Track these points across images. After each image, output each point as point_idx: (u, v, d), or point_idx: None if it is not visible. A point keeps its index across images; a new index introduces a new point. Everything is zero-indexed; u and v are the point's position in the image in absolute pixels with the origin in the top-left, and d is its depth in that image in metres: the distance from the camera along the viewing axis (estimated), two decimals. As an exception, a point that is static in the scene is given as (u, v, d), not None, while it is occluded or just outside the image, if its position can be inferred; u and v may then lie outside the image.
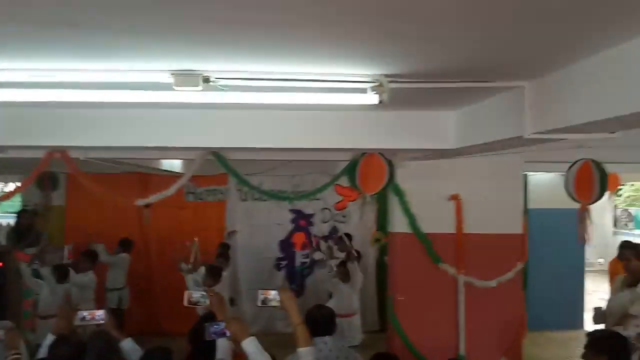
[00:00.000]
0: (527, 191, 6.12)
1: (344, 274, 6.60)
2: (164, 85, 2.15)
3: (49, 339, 3.60)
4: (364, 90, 2.21)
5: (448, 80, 2.47)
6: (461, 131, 3.41)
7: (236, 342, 3.11)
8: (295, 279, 9.03)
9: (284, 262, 9.19)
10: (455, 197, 4.68)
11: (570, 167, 4.41)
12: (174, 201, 8.48)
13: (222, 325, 3.14)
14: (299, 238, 9.23)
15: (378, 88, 2.17)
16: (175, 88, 2.03)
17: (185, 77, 2.02)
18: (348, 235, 7.85)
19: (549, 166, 6.97)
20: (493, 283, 4.63)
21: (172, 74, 2.02)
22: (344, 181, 8.32)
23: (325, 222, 9.27)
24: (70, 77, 2.05)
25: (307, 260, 9.17)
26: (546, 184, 8.88)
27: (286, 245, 9.21)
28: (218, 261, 7.16)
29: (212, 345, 3.41)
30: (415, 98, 3.08)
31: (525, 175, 6.58)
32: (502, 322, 4.69)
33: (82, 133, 3.48)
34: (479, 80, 2.51)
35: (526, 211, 4.93)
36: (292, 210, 9.21)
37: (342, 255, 7.47)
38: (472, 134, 3.22)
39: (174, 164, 7.18)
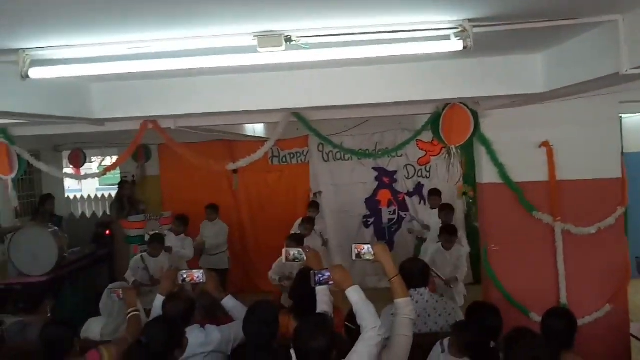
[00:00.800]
0: (622, 135, 5.76)
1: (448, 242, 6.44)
2: (248, 48, 2.20)
3: (159, 299, 3.88)
4: (447, 37, 2.16)
5: (535, 20, 2.35)
6: (549, 74, 3.25)
7: (336, 294, 3.19)
8: (383, 235, 9.09)
9: (371, 220, 9.27)
10: (546, 144, 4.50)
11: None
12: (260, 166, 8.74)
13: (327, 273, 3.21)
14: (384, 195, 9.26)
15: (462, 33, 2.11)
16: (259, 50, 2.07)
17: (268, 38, 2.06)
18: (437, 191, 7.74)
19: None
20: (592, 229, 4.46)
21: (255, 36, 2.07)
22: (425, 136, 8.30)
23: (409, 179, 9.23)
24: (162, 47, 2.14)
25: (395, 216, 9.20)
26: (641, 126, 8.34)
27: (372, 203, 9.28)
28: (310, 211, 7.56)
29: (312, 299, 3.53)
30: (499, 42, 2.96)
31: (620, 117, 6.19)
32: (605, 269, 4.53)
33: (173, 102, 3.65)
34: (568, 18, 2.37)
35: (622, 155, 4.65)
36: (375, 169, 9.24)
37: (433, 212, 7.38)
38: (562, 75, 3.06)
39: (257, 129, 7.35)
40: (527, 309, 4.53)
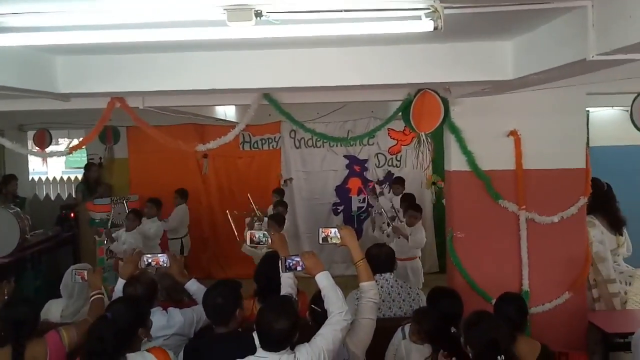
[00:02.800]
0: (588, 129, 5.89)
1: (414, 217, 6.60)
2: (217, 22, 2.16)
3: (120, 283, 3.83)
4: (418, 18, 2.16)
5: (505, 4, 2.36)
6: (519, 61, 3.28)
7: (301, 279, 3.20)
8: (352, 223, 9.15)
9: (340, 207, 9.32)
10: (514, 133, 4.56)
11: (636, 97, 4.20)
12: (231, 151, 8.75)
13: (298, 259, 3.23)
14: (354, 183, 9.31)
15: (432, 14, 2.11)
16: (229, 23, 2.04)
17: (238, 12, 2.02)
18: (401, 180, 7.81)
19: (611, 100, 6.69)
20: (555, 218, 4.55)
21: (225, 9, 2.03)
22: (397, 125, 8.37)
23: (380, 167, 9.30)
24: (127, 16, 2.09)
25: (364, 205, 9.26)
26: (607, 120, 8.56)
27: (342, 190, 9.31)
28: (277, 210, 7.31)
29: (277, 283, 3.53)
30: (470, 28, 2.97)
31: (587, 112, 6.31)
32: (566, 257, 4.62)
33: (141, 78, 3.58)
34: (539, 2, 2.39)
35: (588, 149, 4.75)
36: (346, 156, 9.30)
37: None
38: (531, 62, 3.09)
39: (228, 114, 7.29)
40: (490, 295, 4.60)
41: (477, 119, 4.56)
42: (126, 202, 7.81)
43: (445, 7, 2.13)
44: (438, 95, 4.42)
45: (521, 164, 4.55)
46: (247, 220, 7.02)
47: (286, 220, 6.89)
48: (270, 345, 2.77)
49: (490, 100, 4.48)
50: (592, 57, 2.29)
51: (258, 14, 2.08)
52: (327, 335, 2.92)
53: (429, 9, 2.13)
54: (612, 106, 8.15)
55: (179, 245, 8.00)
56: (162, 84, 3.64)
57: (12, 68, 3.09)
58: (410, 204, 6.85)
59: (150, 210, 7.31)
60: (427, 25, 2.13)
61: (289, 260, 3.27)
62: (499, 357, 2.68)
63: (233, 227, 6.82)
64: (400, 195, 7.59)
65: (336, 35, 2.34)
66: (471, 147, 4.56)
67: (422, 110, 4.45)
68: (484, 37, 3.29)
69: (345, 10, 2.12)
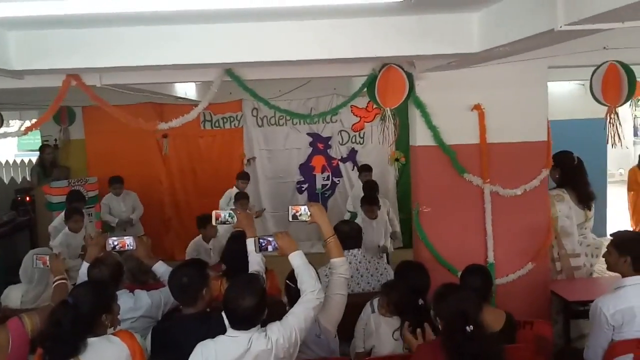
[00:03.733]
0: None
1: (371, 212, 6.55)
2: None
3: (84, 266, 3.73)
4: (388, -13, 2.11)
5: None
6: (485, 33, 3.27)
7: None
8: (317, 201, 9.14)
9: (304, 186, 9.30)
10: (477, 107, 4.59)
11: (596, 69, 4.27)
12: (191, 130, 8.61)
13: (271, 238, 3.23)
14: (318, 161, 9.30)
15: (403, -17, 2.08)
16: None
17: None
18: (368, 167, 7.78)
19: (572, 73, 6.81)
20: (518, 191, 4.61)
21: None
22: (360, 102, 8.35)
23: (343, 145, 9.31)
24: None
25: (328, 182, 9.26)
26: (564, 95, 8.75)
27: (306, 168, 9.30)
28: (241, 182, 7.43)
29: (245, 261, 3.50)
30: (437, -1, 2.95)
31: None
32: (529, 229, 4.71)
33: (98, 54, 3.43)
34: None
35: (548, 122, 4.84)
36: (310, 134, 9.28)
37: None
38: (498, 34, 3.09)
39: (188, 92, 7.13)
40: (456, 268, 4.66)
41: (441, 94, 4.57)
42: (83, 184, 7.59)
43: (415, -24, 2.09)
44: (403, 70, 4.40)
45: (485, 137, 4.59)
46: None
47: (250, 199, 6.87)
48: (239, 324, 2.75)
49: (455, 75, 4.48)
50: (561, 27, 2.30)
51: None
52: (299, 314, 2.92)
53: (399, -22, 2.09)
54: (570, 80, 8.34)
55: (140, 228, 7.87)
56: (122, 60, 3.49)
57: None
58: (366, 198, 6.50)
59: (117, 190, 7.31)
60: (397, -6, 2.09)
61: (262, 240, 3.26)
62: (467, 327, 2.72)
63: None
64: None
65: (307, 5, 2.27)
66: (436, 121, 4.56)
67: (387, 86, 4.43)
68: (451, 8, 3.27)
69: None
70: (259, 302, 2.74)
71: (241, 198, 6.70)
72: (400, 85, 4.41)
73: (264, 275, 3.51)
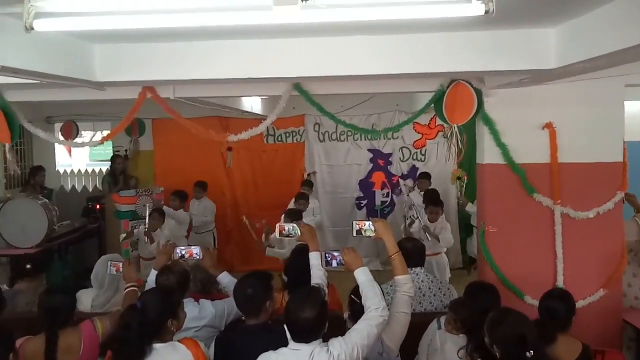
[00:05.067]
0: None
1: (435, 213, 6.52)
2: (260, 7, 2.12)
3: (153, 274, 3.83)
4: (468, 1, 2.09)
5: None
6: (563, 48, 3.18)
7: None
8: (375, 217, 9.07)
9: (364, 202, 9.25)
10: (549, 126, 4.46)
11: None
12: (255, 144, 8.75)
13: (337, 253, 3.26)
14: (378, 177, 9.25)
15: (484, -3, 2.04)
16: (274, 7, 1.99)
17: (283, -5, 1.98)
18: (427, 175, 7.71)
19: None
20: (591, 214, 4.44)
21: (271, -8, 1.99)
22: (422, 119, 8.27)
23: (404, 161, 9.22)
24: (167, 2, 2.06)
25: (387, 199, 9.18)
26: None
27: (365, 184, 9.26)
28: (299, 203, 7.26)
29: (307, 275, 3.50)
30: (514, 13, 2.88)
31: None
32: (602, 253, 4.52)
33: (172, 67, 3.58)
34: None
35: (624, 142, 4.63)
36: (370, 150, 9.24)
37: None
38: (577, 49, 2.99)
39: (254, 107, 7.27)
40: (522, 291, 4.52)
41: (511, 111, 4.47)
42: (150, 194, 7.84)
43: (497, -10, 2.06)
44: (471, 86, 4.34)
45: (556, 157, 4.45)
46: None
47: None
48: (299, 336, 2.73)
49: (525, 92, 4.39)
50: (652, 41, 2.20)
51: (303, -3, 2.03)
52: (362, 330, 2.88)
53: (479, -8, 2.06)
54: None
55: (210, 238, 8.02)
56: (194, 73, 3.62)
57: (52, 55, 3.10)
58: (430, 199, 6.75)
59: (174, 203, 7.35)
60: (478, 9, 2.06)
61: (328, 255, 3.27)
62: (527, 353, 2.61)
63: (250, 230, 6.74)
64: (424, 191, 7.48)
65: (383, 19, 2.27)
66: (505, 139, 4.47)
67: (455, 102, 4.38)
68: (527, 24, 3.20)
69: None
70: (319, 314, 2.72)
71: (293, 215, 6.65)
72: (468, 101, 4.35)
73: (326, 289, 3.49)
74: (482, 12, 2.07)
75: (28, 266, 4.62)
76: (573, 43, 3.06)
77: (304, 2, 2.04)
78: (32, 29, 2.23)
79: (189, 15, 2.30)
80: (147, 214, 6.60)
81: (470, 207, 7.27)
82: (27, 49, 2.85)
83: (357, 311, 3.14)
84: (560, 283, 4.48)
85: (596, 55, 2.75)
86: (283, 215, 6.57)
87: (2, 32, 2.63)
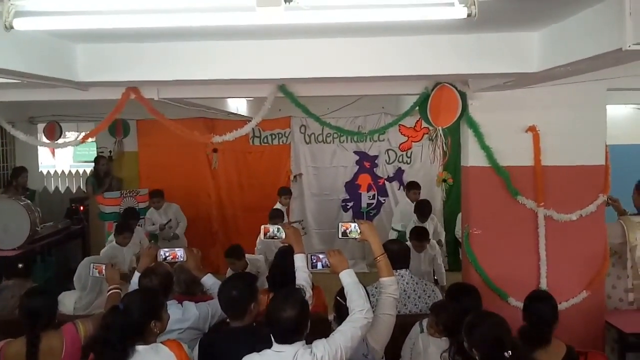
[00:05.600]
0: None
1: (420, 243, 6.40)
2: (243, 8, 2.12)
3: (136, 276, 3.81)
4: (450, 5, 2.10)
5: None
6: (545, 52, 3.21)
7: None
8: (362, 219, 9.08)
9: (350, 204, 9.26)
10: (532, 129, 4.50)
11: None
12: (240, 145, 8.73)
13: (323, 255, 3.26)
14: (364, 179, 9.26)
15: (466, 0, 2.06)
16: (258, 8, 1.99)
17: (267, -4, 1.98)
18: (417, 185, 7.64)
19: (629, 96, 6.60)
20: (574, 216, 4.48)
21: (254, -7, 1.98)
22: (408, 121, 8.30)
23: (390, 164, 9.25)
24: (151, 2, 2.04)
25: (373, 201, 9.20)
26: (622, 119, 8.46)
27: (352, 186, 9.27)
28: (282, 199, 7.51)
29: (291, 276, 3.49)
30: (498, 17, 2.90)
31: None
32: (584, 256, 4.56)
33: (156, 68, 3.56)
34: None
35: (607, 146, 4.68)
36: (356, 152, 9.26)
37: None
38: (559, 53, 3.03)
39: (240, 108, 7.25)
40: (506, 293, 4.55)
41: (495, 114, 4.50)
42: (134, 195, 7.79)
43: (479, -7, 2.07)
44: (456, 89, 4.37)
45: (540, 160, 4.49)
46: None
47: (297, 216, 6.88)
48: (281, 337, 2.73)
49: (509, 95, 4.42)
50: (629, 46, 2.23)
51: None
52: (346, 332, 2.88)
53: (462, -6, 2.07)
54: (627, 104, 8.08)
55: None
56: (179, 74, 3.60)
57: (33, 55, 3.06)
58: (413, 231, 6.24)
59: (158, 203, 7.44)
60: (460, 12, 2.08)
61: (313, 257, 3.27)
62: (505, 353, 2.63)
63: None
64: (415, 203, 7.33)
65: (367, 21, 2.28)
66: (489, 142, 4.49)
67: (440, 105, 4.41)
68: (511, 27, 3.23)
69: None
70: (300, 314, 2.72)
71: (275, 217, 6.66)
72: (453, 104, 4.38)
73: (311, 291, 3.49)
74: (465, 15, 2.08)
75: (20, 265, 4.60)
76: (555, 47, 3.09)
77: (287, 3, 2.04)
78: (12, 27, 2.20)
79: (172, 15, 2.29)
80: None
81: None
82: (7, 49, 2.81)
83: (342, 313, 3.14)
84: (543, 285, 4.51)
85: (577, 59, 2.78)
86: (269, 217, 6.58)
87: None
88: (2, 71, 2.86)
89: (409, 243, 6.19)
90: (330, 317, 3.61)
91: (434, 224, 6.85)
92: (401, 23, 2.80)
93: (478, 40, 3.32)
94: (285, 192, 7.65)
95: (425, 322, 3.64)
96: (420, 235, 6.06)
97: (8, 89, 4.26)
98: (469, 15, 2.08)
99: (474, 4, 2.05)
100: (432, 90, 4.39)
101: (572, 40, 2.87)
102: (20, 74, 2.99)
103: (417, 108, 4.55)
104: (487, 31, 3.30)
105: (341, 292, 3.26)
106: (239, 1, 2.09)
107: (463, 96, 4.40)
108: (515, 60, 3.34)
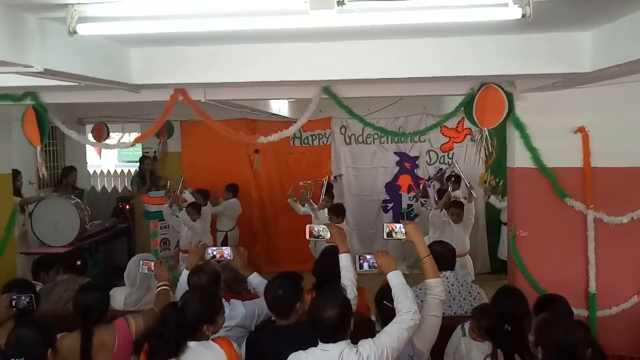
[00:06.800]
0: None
1: (457, 215, 6.52)
2: (297, 11, 2.15)
3: (185, 274, 3.89)
4: (504, 5, 2.09)
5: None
6: (598, 52, 3.14)
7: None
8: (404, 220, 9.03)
9: (390, 205, 9.22)
10: (581, 130, 4.41)
11: None
12: (281, 146, 8.79)
13: (370, 256, 3.26)
14: (405, 180, 9.21)
15: (521, 1, 2.04)
16: (311, 11, 2.02)
17: (320, 0, 2.00)
18: (457, 177, 7.66)
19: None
20: (625, 219, 4.37)
21: (306, -2, 2.01)
22: (450, 122, 8.20)
23: (431, 165, 9.17)
24: (206, 6, 2.10)
25: (414, 202, 9.14)
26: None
27: (392, 187, 9.23)
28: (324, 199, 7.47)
29: (336, 276, 3.50)
30: (549, 17, 2.85)
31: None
32: (636, 259, 4.45)
33: (203, 70, 3.64)
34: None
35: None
36: (397, 153, 9.21)
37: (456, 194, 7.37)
38: (613, 53, 2.96)
39: (282, 109, 7.31)
40: (554, 296, 4.46)
41: (542, 115, 4.43)
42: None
43: (535, -6, 2.05)
44: (502, 89, 4.31)
45: (589, 161, 4.40)
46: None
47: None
48: (324, 335, 2.74)
49: (557, 96, 4.34)
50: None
51: (340, 2, 2.05)
52: (392, 333, 2.87)
53: (517, -5, 2.06)
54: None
55: (222, 238, 8.09)
56: (225, 76, 3.68)
57: (94, 59, 3.18)
58: (452, 202, 6.81)
59: (197, 200, 7.50)
60: (514, 12, 2.06)
61: (361, 258, 3.27)
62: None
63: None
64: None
65: (419, 23, 2.28)
66: (536, 143, 4.43)
67: (486, 105, 4.36)
68: (561, 27, 3.17)
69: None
70: (341, 313, 2.72)
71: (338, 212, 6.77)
72: (499, 105, 4.33)
73: (356, 291, 3.49)
74: (519, 16, 2.06)
75: (78, 262, 4.76)
76: (609, 47, 3.03)
77: (340, 6, 2.06)
78: (76, 32, 2.29)
79: (224, 19, 2.34)
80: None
81: (495, 201, 7.29)
82: (72, 54, 2.93)
83: (386, 316, 3.13)
84: (592, 289, 4.42)
85: (632, 59, 2.71)
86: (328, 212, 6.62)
87: (44, 36, 2.70)
88: (68, 75, 2.97)
89: (445, 219, 6.49)
90: (373, 317, 3.61)
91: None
92: (450, 24, 2.79)
93: (527, 40, 3.28)
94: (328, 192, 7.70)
95: (467, 325, 3.60)
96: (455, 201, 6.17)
97: (59, 91, 4.41)
98: (523, 15, 2.06)
99: (529, 4, 2.03)
100: (478, 90, 4.35)
101: (627, 40, 2.81)
102: (84, 78, 3.10)
103: (462, 109, 4.51)
104: (537, 31, 3.25)
105: (382, 293, 3.26)
106: (292, 4, 2.12)
107: (509, 97, 4.35)
108: (566, 61, 3.28)
